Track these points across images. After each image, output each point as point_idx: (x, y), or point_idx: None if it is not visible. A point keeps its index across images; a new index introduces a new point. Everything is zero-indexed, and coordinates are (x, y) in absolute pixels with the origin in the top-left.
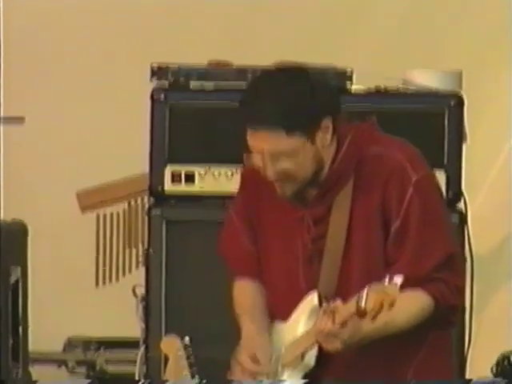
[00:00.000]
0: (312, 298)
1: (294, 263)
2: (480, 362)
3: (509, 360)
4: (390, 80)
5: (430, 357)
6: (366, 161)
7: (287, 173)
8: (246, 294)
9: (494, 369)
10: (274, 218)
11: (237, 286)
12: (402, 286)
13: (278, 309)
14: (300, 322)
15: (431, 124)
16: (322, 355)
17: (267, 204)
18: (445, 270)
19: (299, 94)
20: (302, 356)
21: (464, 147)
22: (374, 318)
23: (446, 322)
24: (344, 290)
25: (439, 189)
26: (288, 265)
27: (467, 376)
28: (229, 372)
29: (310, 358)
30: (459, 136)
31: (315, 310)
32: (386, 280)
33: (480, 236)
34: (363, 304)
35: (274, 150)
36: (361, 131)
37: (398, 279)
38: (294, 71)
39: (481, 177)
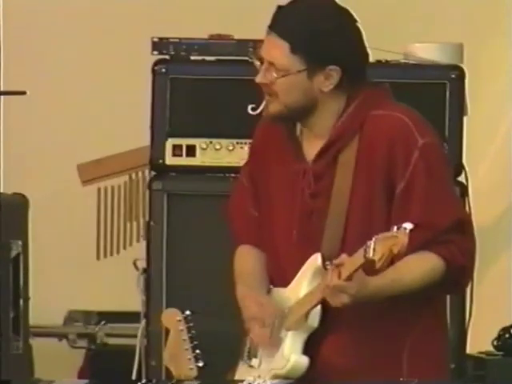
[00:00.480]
0: (315, 259)
1: (290, 220)
2: (481, 335)
3: (509, 333)
4: (391, 54)
5: (427, 334)
6: (370, 121)
7: (271, 87)
8: (244, 260)
9: (495, 342)
10: (279, 174)
11: (237, 252)
12: (411, 249)
13: (280, 272)
14: (302, 284)
15: (432, 97)
16: (325, 316)
17: (274, 160)
18: (454, 233)
19: (322, 29)
20: (306, 316)
21: (465, 120)
22: (383, 266)
23: (457, 285)
24: (345, 251)
25: (445, 159)
26: (287, 221)
27: (468, 350)
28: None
29: (314, 318)
30: (460, 109)
31: (318, 271)
32: (394, 228)
33: (481, 209)
34: (371, 254)
35: (271, 59)
36: (370, 94)
37: (408, 225)
38: (336, 9)
39: (482, 150)
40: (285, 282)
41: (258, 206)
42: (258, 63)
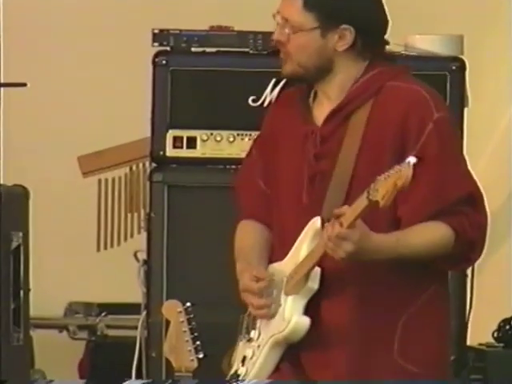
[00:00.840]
0: (314, 223)
1: (299, 182)
2: (481, 327)
3: (510, 325)
4: (391, 45)
5: (424, 315)
6: (386, 90)
7: (286, 45)
8: (245, 236)
9: (496, 334)
10: (286, 139)
11: (239, 226)
12: (420, 219)
13: (286, 242)
14: (302, 248)
15: (432, 88)
16: (324, 279)
17: (284, 127)
18: (466, 206)
19: None
20: (306, 278)
21: (465, 111)
22: (387, 203)
23: (466, 259)
24: None
25: (458, 136)
26: (295, 186)
27: (468, 341)
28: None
29: (314, 280)
30: (461, 100)
31: (317, 234)
32: (396, 166)
33: None
34: (374, 195)
35: (285, 16)
36: (390, 67)
37: (412, 159)
38: None
39: (482, 141)
40: (287, 253)
41: (266, 178)
42: (276, 21)
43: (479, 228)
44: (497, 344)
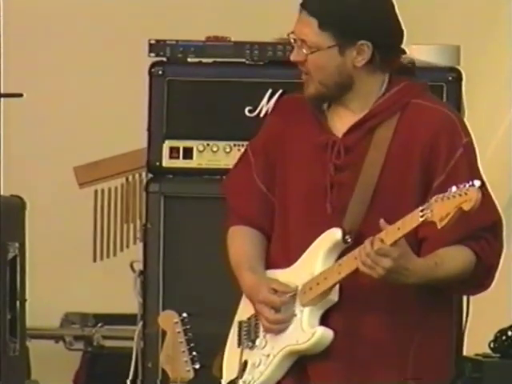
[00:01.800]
0: (333, 234)
1: (315, 191)
2: (478, 337)
3: (506, 335)
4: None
5: (436, 331)
6: (412, 108)
7: (305, 65)
8: (243, 243)
9: (492, 344)
10: (299, 148)
11: (235, 232)
12: (445, 243)
13: (289, 250)
14: (318, 259)
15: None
16: (342, 291)
17: (296, 131)
18: (488, 232)
19: (349, 4)
20: (328, 291)
21: None
22: (447, 225)
23: (480, 284)
24: (368, 229)
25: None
26: (308, 193)
27: (465, 351)
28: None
29: (335, 293)
30: (457, 110)
31: (337, 246)
32: (453, 188)
33: None
34: (429, 215)
35: (302, 37)
36: (413, 84)
37: (477, 182)
38: None
39: (479, 151)
40: (292, 261)
41: (267, 181)
42: (292, 42)
43: (498, 256)
44: (493, 354)
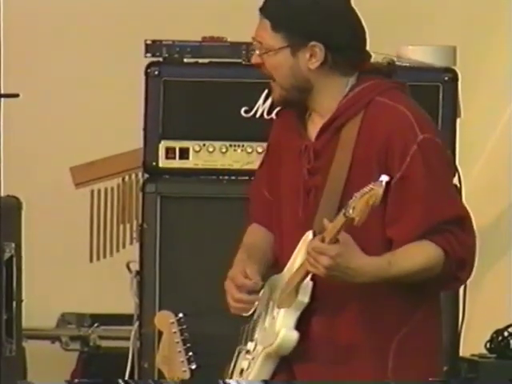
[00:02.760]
0: (307, 237)
1: (295, 197)
2: (474, 338)
3: (502, 336)
4: (384, 56)
5: (418, 332)
6: (374, 106)
7: (262, 67)
8: (252, 235)
9: (488, 345)
10: (285, 155)
11: (248, 229)
12: (410, 240)
13: (284, 255)
14: (296, 262)
15: (425, 99)
16: (315, 292)
17: (284, 144)
18: (454, 226)
19: (299, 5)
20: (296, 291)
21: (458, 122)
22: (361, 222)
23: (455, 279)
24: None
25: (448, 158)
26: (292, 201)
27: (461, 352)
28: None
29: (304, 294)
30: (453, 111)
31: None
32: (371, 183)
33: (473, 211)
34: (350, 212)
35: (258, 39)
36: (380, 82)
37: (384, 177)
38: None
39: (475, 152)
40: (284, 266)
41: (271, 190)
42: (254, 45)
43: (467, 247)
44: (489, 355)
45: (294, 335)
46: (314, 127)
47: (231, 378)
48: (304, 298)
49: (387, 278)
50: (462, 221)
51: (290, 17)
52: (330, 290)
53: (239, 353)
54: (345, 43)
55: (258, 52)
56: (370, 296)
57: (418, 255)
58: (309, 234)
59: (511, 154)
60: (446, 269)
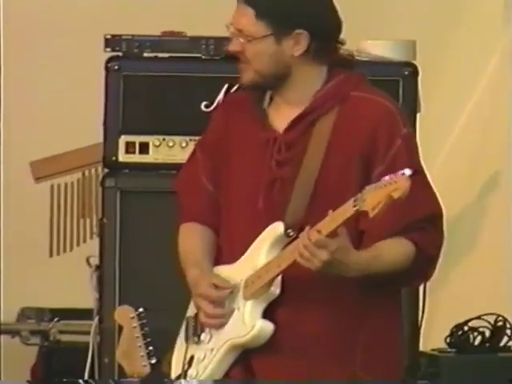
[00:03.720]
0: (275, 228)
1: (256, 187)
2: (434, 332)
3: (462, 330)
4: (343, 50)
5: (383, 323)
6: (352, 101)
7: (244, 54)
8: (191, 239)
9: (448, 339)
10: (241, 144)
11: (183, 230)
12: (385, 235)
13: (235, 246)
14: (260, 253)
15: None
16: (284, 284)
17: (236, 133)
18: (428, 223)
19: None
20: (270, 283)
21: (418, 117)
22: (378, 215)
23: (421, 275)
24: (310, 223)
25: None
26: (249, 190)
27: (421, 347)
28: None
29: (276, 286)
30: (413, 106)
31: (279, 240)
32: (386, 177)
33: None
34: (362, 205)
35: (238, 27)
36: (352, 76)
37: (407, 171)
38: None
39: (435, 148)
40: (237, 257)
41: (213, 179)
42: (231, 33)
43: (437, 246)
44: (449, 349)
45: (270, 327)
46: (280, 117)
47: (181, 367)
48: (276, 289)
49: (370, 273)
50: (436, 218)
51: (275, 5)
52: (297, 282)
53: (184, 342)
54: (328, 32)
55: (241, 40)
56: (334, 288)
57: (398, 252)
58: (278, 226)
59: (471, 148)
60: (415, 265)
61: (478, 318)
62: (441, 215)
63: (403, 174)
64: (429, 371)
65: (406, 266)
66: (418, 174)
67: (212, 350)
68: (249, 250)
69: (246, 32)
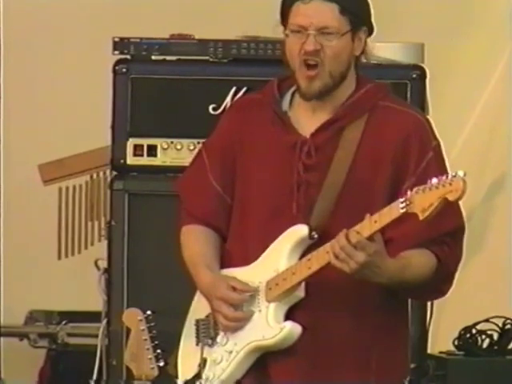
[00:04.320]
0: (299, 230)
1: (285, 190)
2: (442, 335)
3: (470, 333)
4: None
5: (394, 331)
6: (381, 110)
7: (326, 53)
8: (199, 242)
9: (456, 342)
10: (263, 144)
11: (189, 231)
12: (410, 245)
13: (249, 248)
14: (282, 254)
15: None
16: (308, 287)
17: (255, 131)
18: (451, 238)
19: None
20: (296, 287)
21: None
22: (430, 216)
23: (438, 290)
24: (334, 227)
25: None
26: (273, 193)
27: (429, 349)
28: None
29: (301, 289)
30: (421, 108)
31: (302, 242)
32: (434, 179)
33: None
34: (409, 207)
35: (322, 24)
36: (379, 85)
37: (461, 172)
38: None
39: (444, 150)
40: (251, 259)
41: (222, 182)
42: (309, 33)
43: (457, 261)
44: (457, 352)
45: (299, 329)
46: (306, 121)
47: (194, 369)
48: (301, 292)
49: (398, 281)
50: (458, 233)
51: (354, 1)
52: (320, 286)
53: (194, 344)
54: (371, 31)
55: (322, 38)
56: (356, 294)
57: (424, 264)
58: (300, 229)
59: (479, 152)
60: (434, 280)
61: (486, 320)
62: (463, 230)
63: (455, 175)
64: (436, 374)
65: (428, 278)
66: None
67: (231, 352)
68: (267, 252)
69: (331, 28)
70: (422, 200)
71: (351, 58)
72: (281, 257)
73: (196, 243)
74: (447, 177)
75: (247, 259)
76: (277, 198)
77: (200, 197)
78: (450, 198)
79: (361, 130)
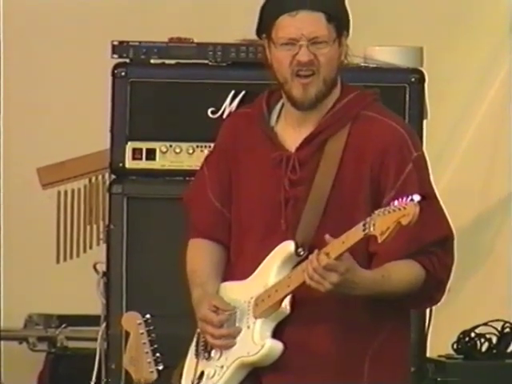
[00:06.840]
0: (286, 246)
1: (269, 206)
2: (441, 338)
3: (469, 337)
4: (350, 57)
5: (391, 340)
6: (364, 120)
7: (320, 62)
8: (198, 257)
9: (455, 345)
10: (251, 164)
11: (191, 246)
12: (395, 257)
13: (246, 264)
14: (271, 272)
15: (392, 100)
16: (295, 303)
17: (247, 147)
18: (438, 247)
19: None
20: (281, 302)
21: (425, 123)
22: (387, 239)
23: (429, 298)
24: (321, 242)
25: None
26: (262, 209)
27: (428, 353)
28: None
29: (287, 305)
30: (420, 112)
31: (290, 258)
32: (395, 202)
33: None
34: (371, 229)
35: (313, 34)
36: (364, 94)
37: (416, 197)
38: None
39: (442, 154)
40: (248, 274)
41: (220, 196)
42: (301, 44)
43: (447, 270)
44: (456, 356)
45: (280, 346)
46: (290, 136)
47: (191, 382)
48: (286, 308)
49: (378, 292)
50: (446, 242)
51: (338, 8)
52: (307, 301)
53: (194, 356)
54: (349, 34)
55: (314, 48)
56: (344, 307)
57: (406, 274)
58: (289, 245)
59: (479, 155)
60: (424, 289)
61: (485, 324)
62: (451, 238)
63: (412, 199)
64: (436, 377)
65: (415, 288)
66: (429, 198)
67: (222, 367)
68: (259, 268)
69: (321, 37)
70: (382, 223)
71: (339, 64)
72: (270, 273)
73: (195, 259)
74: (404, 200)
75: (246, 273)
76: (268, 214)
77: (201, 211)
78: (403, 222)
79: (343, 142)
